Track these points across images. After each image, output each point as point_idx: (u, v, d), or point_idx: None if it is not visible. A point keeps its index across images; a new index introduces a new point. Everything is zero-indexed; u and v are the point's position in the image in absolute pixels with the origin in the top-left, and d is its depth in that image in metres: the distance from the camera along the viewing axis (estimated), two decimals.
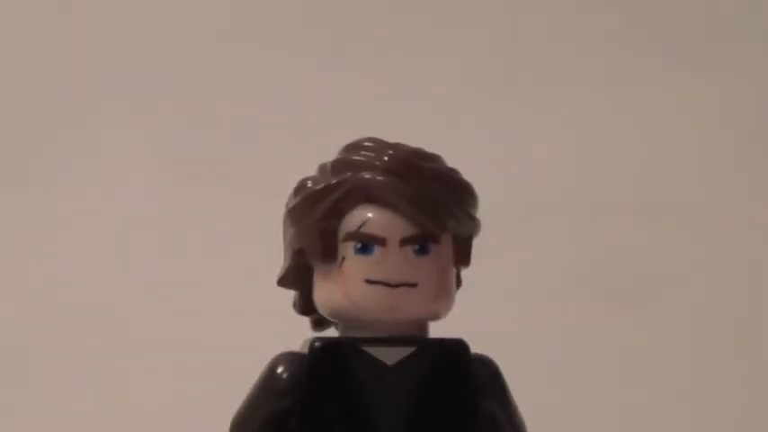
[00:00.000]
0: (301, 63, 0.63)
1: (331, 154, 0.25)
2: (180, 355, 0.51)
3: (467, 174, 0.26)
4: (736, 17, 0.67)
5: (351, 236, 0.24)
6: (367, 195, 0.24)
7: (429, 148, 0.26)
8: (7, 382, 0.56)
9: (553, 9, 0.67)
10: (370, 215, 0.24)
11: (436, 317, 0.25)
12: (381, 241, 0.24)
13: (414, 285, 0.24)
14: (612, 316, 0.54)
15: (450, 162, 0.26)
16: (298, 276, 0.26)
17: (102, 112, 0.62)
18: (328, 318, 0.26)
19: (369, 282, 0.24)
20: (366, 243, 0.24)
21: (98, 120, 0.63)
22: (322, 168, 0.25)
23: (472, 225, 0.26)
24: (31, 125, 0.64)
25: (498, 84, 0.62)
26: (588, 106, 0.62)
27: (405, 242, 0.24)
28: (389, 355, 0.25)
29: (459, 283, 0.26)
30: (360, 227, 0.24)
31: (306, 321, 0.27)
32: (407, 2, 0.65)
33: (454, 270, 0.25)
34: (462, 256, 0.26)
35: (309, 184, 0.25)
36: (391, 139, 0.26)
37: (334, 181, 0.25)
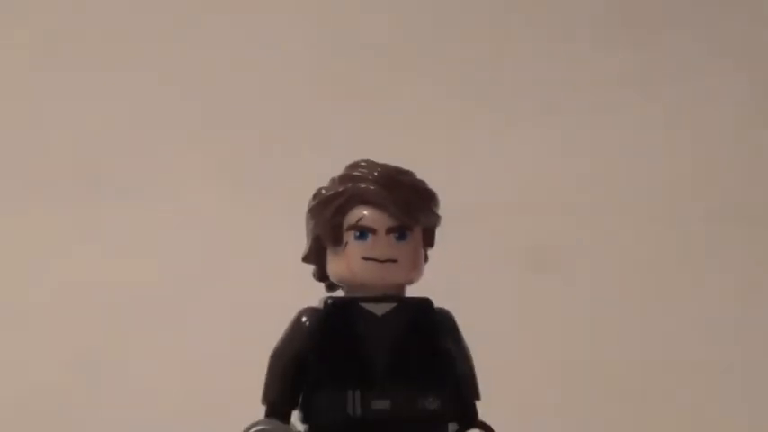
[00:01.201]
0: (326, 97, 0.65)
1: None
2: (236, 312, 0.54)
3: (436, 178, 0.29)
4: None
5: (352, 227, 0.28)
6: (362, 199, 0.28)
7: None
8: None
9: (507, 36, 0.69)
10: (365, 213, 0.28)
11: (410, 282, 0.29)
12: (373, 231, 0.27)
13: (395, 261, 0.28)
14: (536, 281, 0.59)
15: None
16: (316, 255, 0.29)
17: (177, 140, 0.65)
18: (337, 283, 0.29)
19: (364, 259, 0.28)
20: (362, 232, 0.28)
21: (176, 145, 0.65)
22: (332, 180, 0.29)
23: (435, 219, 0.29)
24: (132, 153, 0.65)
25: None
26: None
27: (389, 231, 0.28)
28: (379, 309, 0.28)
29: (426, 258, 0.29)
30: (358, 221, 0.28)
31: (321, 287, 0.30)
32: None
33: (423, 251, 0.29)
34: (429, 240, 0.29)
35: (323, 191, 0.28)
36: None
37: (339, 189, 0.28)
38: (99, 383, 0.58)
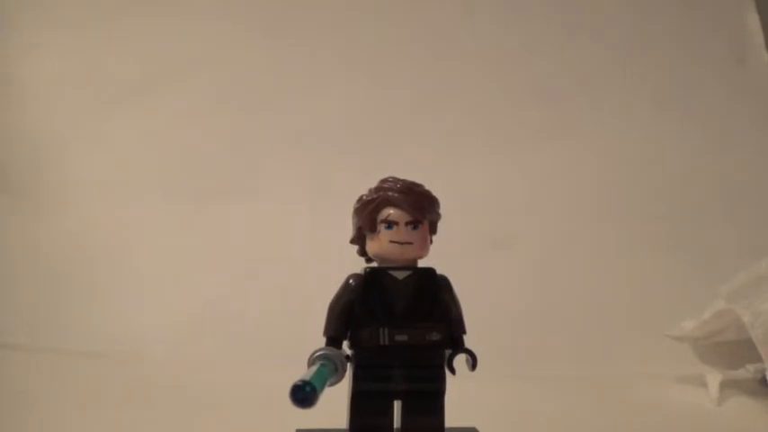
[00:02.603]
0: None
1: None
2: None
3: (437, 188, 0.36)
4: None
5: (383, 221, 0.34)
6: (389, 202, 0.34)
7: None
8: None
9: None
10: (391, 211, 0.34)
11: (421, 257, 0.35)
12: (396, 224, 0.34)
13: (411, 243, 0.34)
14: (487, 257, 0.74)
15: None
16: (359, 239, 0.36)
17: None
18: (373, 258, 0.36)
19: (391, 242, 0.34)
20: (390, 224, 0.34)
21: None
22: (369, 190, 0.35)
23: (437, 216, 0.36)
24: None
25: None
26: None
27: (407, 224, 0.34)
28: (400, 275, 0.34)
29: (431, 241, 0.35)
30: (387, 217, 0.34)
31: (361, 261, 0.36)
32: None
33: (429, 236, 0.35)
34: (433, 229, 0.35)
35: (364, 197, 0.35)
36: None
37: (374, 196, 0.35)
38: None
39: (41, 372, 0.64)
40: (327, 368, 0.32)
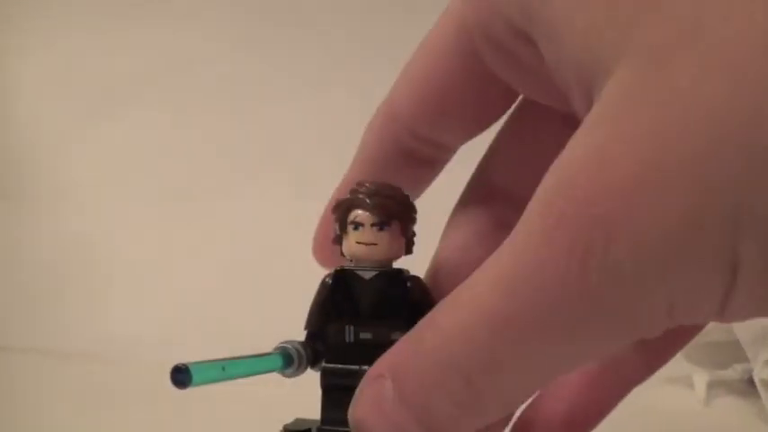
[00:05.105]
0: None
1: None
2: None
3: None
4: None
5: (351, 222, 0.35)
6: (356, 204, 0.35)
7: None
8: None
9: None
10: (358, 212, 0.35)
11: (389, 259, 0.35)
12: (363, 225, 0.34)
13: (376, 244, 0.34)
14: None
15: None
16: (338, 240, 0.36)
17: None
18: (347, 257, 0.36)
19: (358, 243, 0.35)
20: (356, 225, 0.35)
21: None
22: (347, 192, 0.36)
23: (409, 219, 0.36)
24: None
25: None
26: None
27: (372, 225, 0.34)
28: (366, 275, 0.35)
29: (407, 244, 0.35)
30: (355, 218, 0.35)
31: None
32: None
33: (400, 238, 0.35)
34: (404, 232, 0.35)
35: (339, 199, 0.36)
36: None
37: (346, 198, 0.36)
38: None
39: (27, 373, 0.66)
40: (253, 359, 0.33)
